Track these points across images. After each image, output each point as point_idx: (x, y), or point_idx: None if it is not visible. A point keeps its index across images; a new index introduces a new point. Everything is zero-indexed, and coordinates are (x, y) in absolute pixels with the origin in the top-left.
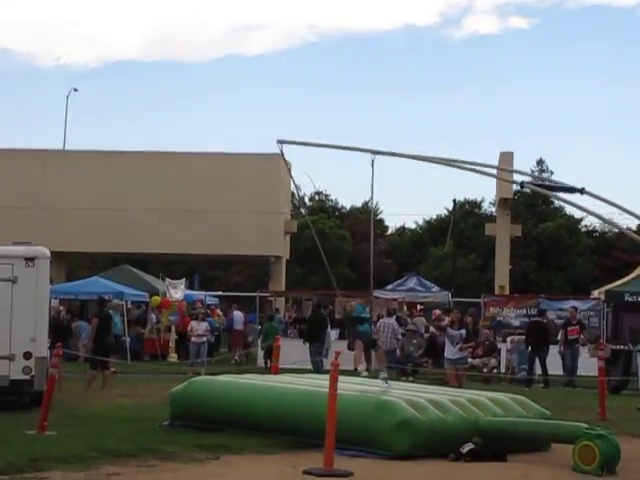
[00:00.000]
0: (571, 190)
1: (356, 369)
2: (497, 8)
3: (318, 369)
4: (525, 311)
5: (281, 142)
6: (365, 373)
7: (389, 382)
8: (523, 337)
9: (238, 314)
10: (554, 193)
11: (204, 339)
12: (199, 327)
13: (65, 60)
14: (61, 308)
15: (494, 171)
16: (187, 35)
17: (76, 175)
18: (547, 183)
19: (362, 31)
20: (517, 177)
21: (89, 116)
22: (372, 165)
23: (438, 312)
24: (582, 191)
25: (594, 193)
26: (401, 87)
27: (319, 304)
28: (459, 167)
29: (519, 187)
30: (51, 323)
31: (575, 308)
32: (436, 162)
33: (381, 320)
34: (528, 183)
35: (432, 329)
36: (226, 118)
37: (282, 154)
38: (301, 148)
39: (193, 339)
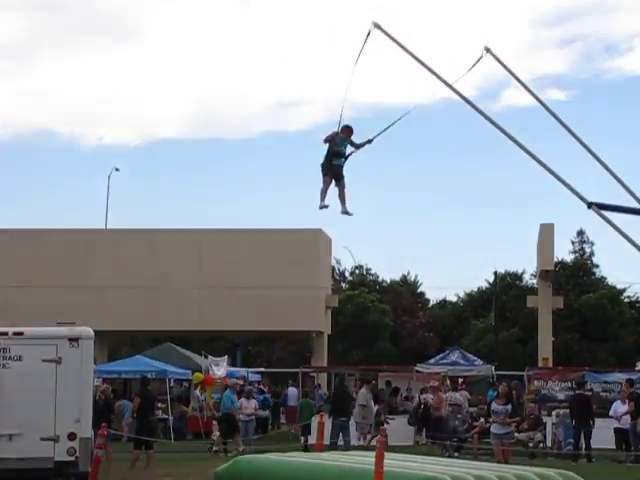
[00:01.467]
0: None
1: None
2: (533, 81)
3: (347, 446)
4: (570, 384)
5: (376, 25)
6: None
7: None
8: (568, 410)
9: (293, 390)
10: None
11: (252, 417)
12: (248, 405)
13: (107, 140)
14: (107, 387)
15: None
16: (227, 112)
17: (117, 254)
18: (616, 205)
19: (399, 105)
20: (559, 247)
21: (131, 195)
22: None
23: (436, 383)
24: None
25: None
26: (440, 156)
27: (343, 379)
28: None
29: (587, 206)
30: (96, 402)
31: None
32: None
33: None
34: (595, 204)
35: (424, 397)
36: (265, 195)
37: (368, 34)
38: (342, 225)
39: (241, 417)
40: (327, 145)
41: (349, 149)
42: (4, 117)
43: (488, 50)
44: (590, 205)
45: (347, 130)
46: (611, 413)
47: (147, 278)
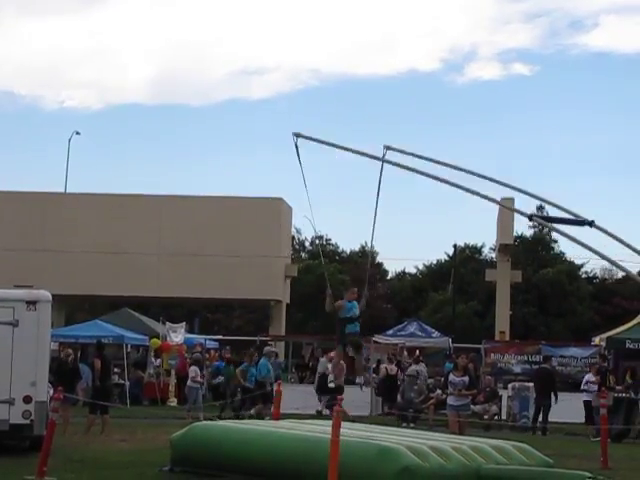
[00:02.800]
0: (580, 223)
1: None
2: (499, 55)
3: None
4: (526, 357)
5: (297, 135)
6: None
7: None
8: (524, 384)
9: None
10: (559, 226)
11: (202, 384)
12: (198, 372)
13: (69, 103)
14: (70, 351)
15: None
16: (190, 79)
17: (76, 218)
18: (554, 216)
19: (363, 76)
20: (519, 221)
21: (91, 159)
22: (382, 159)
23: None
24: (591, 224)
25: (603, 228)
26: (401, 131)
27: (259, 348)
28: (466, 190)
29: (528, 219)
30: (58, 366)
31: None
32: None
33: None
34: (536, 215)
35: (387, 366)
36: (227, 162)
37: (297, 148)
38: (302, 192)
39: (189, 383)
40: (337, 313)
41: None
42: None
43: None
44: (531, 217)
45: (351, 293)
46: (583, 386)
47: (106, 243)
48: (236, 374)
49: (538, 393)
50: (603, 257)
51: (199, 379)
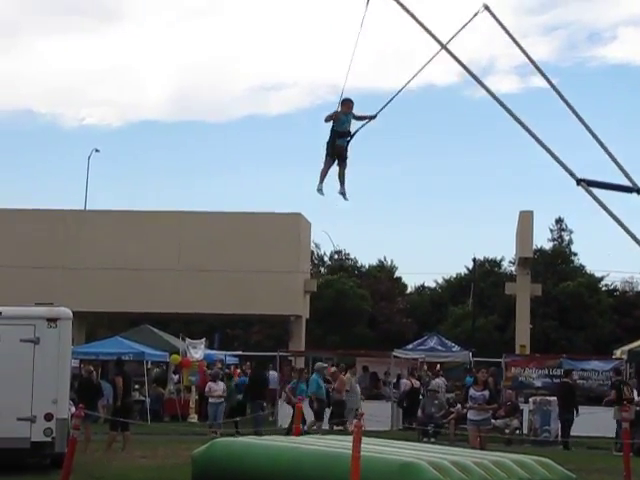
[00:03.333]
0: (629, 190)
1: None
2: (516, 68)
3: (258, 425)
4: (547, 371)
5: None
6: None
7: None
8: (545, 397)
9: (272, 374)
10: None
11: (222, 400)
12: (217, 387)
13: (89, 121)
14: (91, 368)
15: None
16: (208, 95)
17: (96, 235)
18: (603, 182)
19: (382, 90)
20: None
21: (111, 176)
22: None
23: (332, 369)
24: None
25: None
26: (420, 144)
27: (260, 364)
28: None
29: (576, 182)
30: (79, 383)
31: None
32: None
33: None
34: (584, 180)
35: (412, 380)
36: (246, 178)
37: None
38: (321, 205)
39: (211, 400)
40: (330, 124)
41: (354, 125)
42: None
43: (487, 7)
44: (579, 182)
45: (347, 103)
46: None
47: (126, 259)
48: (286, 391)
49: (560, 407)
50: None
51: (218, 394)
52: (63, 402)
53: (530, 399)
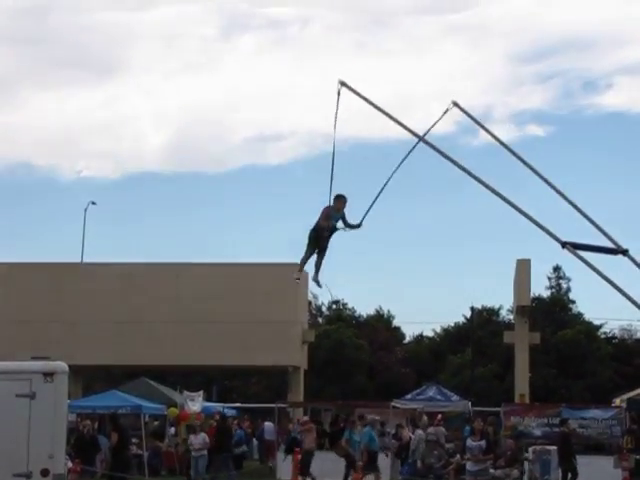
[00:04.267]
0: (614, 251)
1: None
2: (513, 116)
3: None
4: (547, 420)
5: (342, 83)
6: None
7: None
8: (545, 447)
9: (269, 425)
10: (594, 256)
11: (203, 452)
12: (196, 440)
13: (86, 173)
14: (88, 423)
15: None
16: (205, 146)
17: (92, 288)
18: (588, 245)
19: (378, 140)
20: (536, 283)
21: (108, 228)
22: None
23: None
24: (625, 252)
25: (634, 258)
26: (416, 193)
27: (224, 415)
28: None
29: (561, 246)
30: (76, 438)
31: None
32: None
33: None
34: (569, 243)
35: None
36: (243, 228)
37: (338, 94)
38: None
39: (193, 453)
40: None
41: (339, 224)
42: None
43: (455, 104)
44: (564, 245)
45: (340, 200)
46: None
47: (123, 312)
48: (340, 444)
49: (559, 457)
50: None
51: (198, 447)
52: (60, 457)
53: (530, 448)
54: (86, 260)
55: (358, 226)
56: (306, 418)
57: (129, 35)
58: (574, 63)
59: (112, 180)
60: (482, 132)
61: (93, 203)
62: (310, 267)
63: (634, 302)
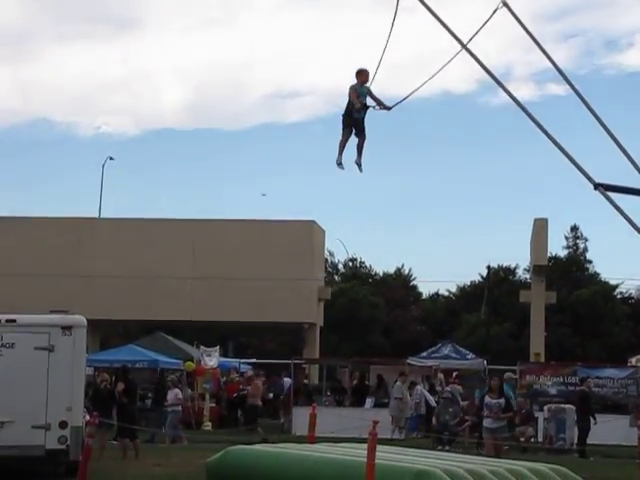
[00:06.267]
0: None
1: None
2: (533, 75)
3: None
4: (562, 379)
5: None
6: None
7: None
8: (560, 405)
9: (288, 380)
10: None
11: (175, 408)
12: (169, 397)
13: (105, 129)
14: (106, 376)
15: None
16: (224, 103)
17: (109, 243)
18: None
19: (398, 97)
20: (554, 244)
21: (126, 184)
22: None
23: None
24: None
25: None
26: (437, 151)
27: (162, 373)
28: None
29: (594, 187)
30: (94, 391)
31: None
32: None
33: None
34: (602, 185)
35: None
36: (260, 185)
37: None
38: (335, 212)
39: (167, 408)
40: (348, 97)
41: (369, 101)
42: (0, 105)
43: (505, 4)
44: (597, 186)
45: (362, 74)
46: None
47: (140, 268)
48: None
49: (577, 415)
50: None
51: (170, 402)
52: (77, 410)
53: (545, 407)
54: (103, 215)
55: (389, 108)
56: (251, 373)
57: None
58: (595, 22)
59: (130, 136)
60: (502, 91)
61: (111, 158)
62: (322, 222)
63: None
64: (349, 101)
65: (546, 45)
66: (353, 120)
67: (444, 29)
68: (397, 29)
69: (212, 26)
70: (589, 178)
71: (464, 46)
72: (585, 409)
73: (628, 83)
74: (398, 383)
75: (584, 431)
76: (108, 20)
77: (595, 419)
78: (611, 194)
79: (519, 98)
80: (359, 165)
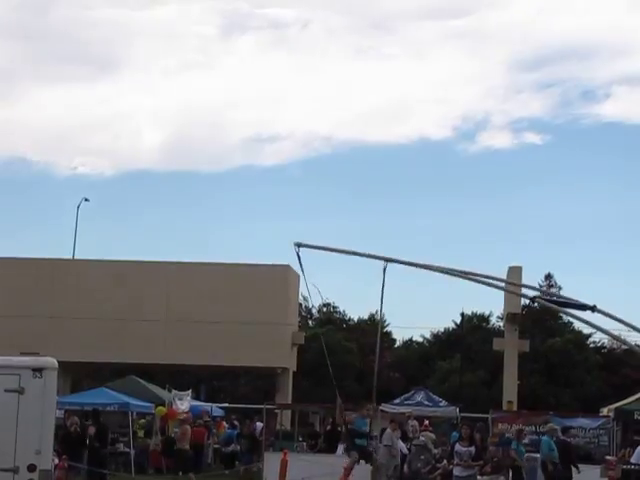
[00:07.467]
0: (583, 307)
1: None
2: (510, 124)
3: None
4: (534, 428)
5: (299, 245)
6: None
7: None
8: (532, 454)
9: (260, 425)
10: (565, 309)
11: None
12: None
13: (81, 170)
14: (76, 419)
15: (503, 284)
16: (202, 145)
17: (83, 284)
18: (558, 299)
19: (375, 143)
20: (527, 291)
21: (101, 225)
22: (384, 272)
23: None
24: (593, 309)
25: (605, 311)
26: (412, 198)
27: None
28: (470, 279)
29: (530, 301)
30: (64, 435)
31: None
32: (446, 272)
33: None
34: (539, 297)
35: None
36: (236, 229)
37: (299, 257)
38: (310, 257)
39: None
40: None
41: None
42: None
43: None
44: (533, 300)
45: (368, 410)
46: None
47: (113, 310)
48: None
49: (561, 465)
50: (606, 333)
51: None
52: (47, 453)
53: None
54: (78, 256)
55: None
56: (184, 416)
57: (129, 32)
58: (573, 72)
59: (107, 177)
60: (479, 138)
61: (86, 200)
62: (296, 266)
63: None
64: (347, 428)
65: (523, 94)
66: (358, 448)
67: None
68: (375, 76)
69: (192, 69)
70: (523, 295)
71: None
72: (568, 459)
73: (604, 133)
74: (388, 430)
75: None
76: (88, 61)
77: (578, 469)
78: None
79: (496, 146)
80: None
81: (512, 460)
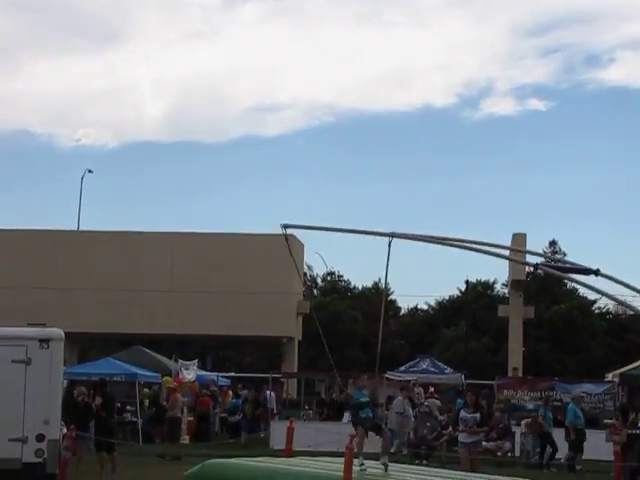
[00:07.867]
0: (586, 272)
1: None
2: (514, 90)
3: None
4: (539, 394)
5: (285, 226)
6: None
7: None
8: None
9: (271, 394)
10: (568, 274)
11: None
12: None
13: (84, 141)
14: (83, 389)
15: (507, 252)
16: (205, 116)
17: (88, 256)
18: (561, 265)
19: (378, 112)
20: (530, 258)
21: (105, 196)
22: (389, 246)
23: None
24: (597, 272)
25: (609, 275)
26: (416, 168)
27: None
28: (473, 249)
29: (533, 268)
30: (71, 405)
31: None
32: (450, 244)
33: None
34: (542, 264)
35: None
36: (240, 199)
37: (286, 239)
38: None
39: None
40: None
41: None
42: None
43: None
44: (536, 267)
45: (363, 381)
46: None
47: (118, 281)
48: (535, 420)
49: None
50: (612, 298)
51: None
52: (55, 423)
53: (522, 422)
54: (82, 228)
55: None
56: (173, 386)
57: (131, 3)
58: (576, 37)
59: (111, 149)
60: (483, 105)
61: (90, 171)
62: (301, 235)
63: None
64: (349, 402)
65: (526, 60)
66: (363, 420)
67: None
68: (378, 43)
69: (194, 39)
70: (526, 264)
71: None
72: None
73: (608, 99)
74: (399, 397)
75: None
76: (90, 33)
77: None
78: None
79: (500, 113)
80: (385, 465)
81: (540, 426)
